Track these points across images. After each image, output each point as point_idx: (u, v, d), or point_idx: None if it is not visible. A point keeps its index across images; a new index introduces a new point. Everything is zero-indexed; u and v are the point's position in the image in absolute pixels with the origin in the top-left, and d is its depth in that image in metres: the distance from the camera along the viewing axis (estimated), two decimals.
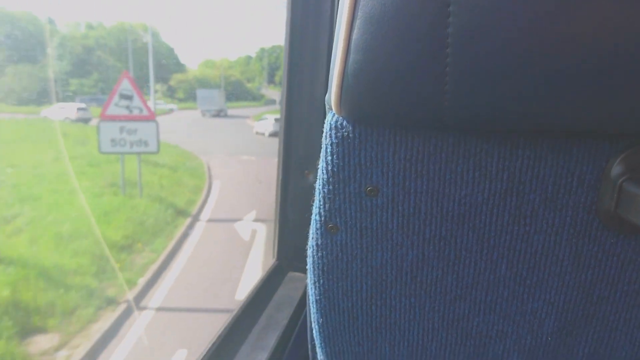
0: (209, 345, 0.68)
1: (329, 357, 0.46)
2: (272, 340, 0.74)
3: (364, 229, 0.37)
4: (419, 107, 0.29)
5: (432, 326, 0.41)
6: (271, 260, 1.04)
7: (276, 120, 5.75)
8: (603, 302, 0.37)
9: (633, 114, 0.27)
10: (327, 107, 0.35)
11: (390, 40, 0.28)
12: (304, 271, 0.43)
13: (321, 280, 0.41)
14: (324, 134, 0.35)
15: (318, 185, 0.37)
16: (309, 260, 0.41)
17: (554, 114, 0.28)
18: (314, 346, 0.49)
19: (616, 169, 0.31)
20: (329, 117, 0.34)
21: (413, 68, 0.28)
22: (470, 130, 0.32)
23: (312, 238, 0.39)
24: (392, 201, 0.35)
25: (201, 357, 0.66)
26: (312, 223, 0.39)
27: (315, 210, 0.38)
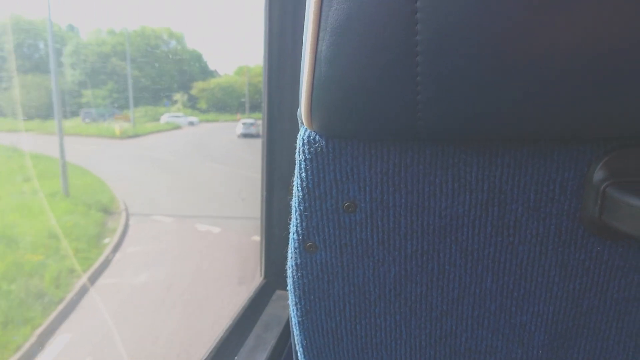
0: None
1: None
2: None
3: (344, 247, 0.36)
4: (392, 119, 0.28)
5: (419, 344, 0.39)
6: None
7: (243, 124, 5.08)
8: (593, 311, 0.36)
9: (614, 117, 0.27)
10: (299, 122, 0.33)
11: (357, 51, 0.27)
12: None
13: (302, 302, 0.39)
14: (297, 150, 0.33)
15: (294, 202, 0.36)
16: (289, 280, 0.39)
17: (532, 120, 0.27)
18: None
19: (599, 174, 0.30)
20: (301, 132, 0.33)
21: (383, 78, 0.27)
22: (446, 140, 0.31)
23: (291, 258, 0.38)
24: (370, 217, 0.34)
25: None
26: (290, 242, 0.37)
27: (292, 229, 0.37)
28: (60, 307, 1.73)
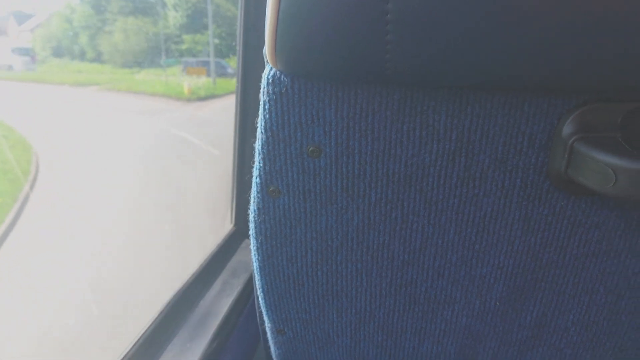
0: (156, 314, 0.66)
1: (277, 324, 0.45)
2: (225, 307, 0.73)
3: (307, 192, 0.35)
4: (359, 59, 0.26)
5: (380, 292, 0.39)
6: None
7: None
8: (552, 266, 0.36)
9: (587, 69, 0.26)
10: (265, 60, 0.32)
11: None
12: None
13: (264, 246, 0.39)
14: (261, 90, 0.32)
15: (257, 145, 0.34)
16: (251, 225, 0.38)
17: (504, 67, 0.26)
18: (261, 313, 0.47)
19: (567, 127, 0.30)
20: (266, 70, 0.31)
21: (350, 14, 0.25)
22: (415, 85, 0.29)
23: (253, 202, 0.37)
24: (335, 162, 0.33)
25: (149, 324, 0.63)
26: (252, 186, 0.36)
27: (255, 172, 0.35)
28: None
